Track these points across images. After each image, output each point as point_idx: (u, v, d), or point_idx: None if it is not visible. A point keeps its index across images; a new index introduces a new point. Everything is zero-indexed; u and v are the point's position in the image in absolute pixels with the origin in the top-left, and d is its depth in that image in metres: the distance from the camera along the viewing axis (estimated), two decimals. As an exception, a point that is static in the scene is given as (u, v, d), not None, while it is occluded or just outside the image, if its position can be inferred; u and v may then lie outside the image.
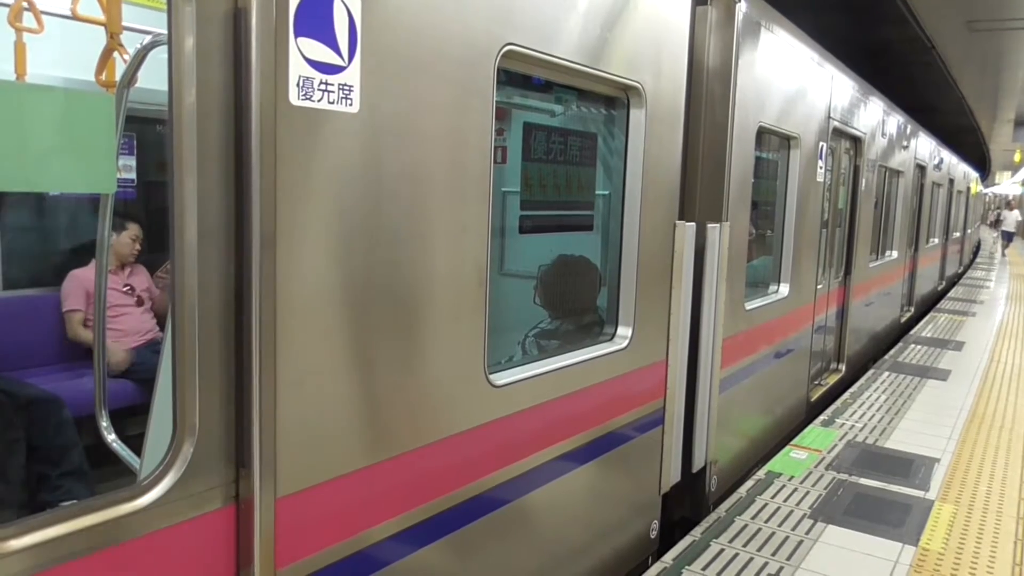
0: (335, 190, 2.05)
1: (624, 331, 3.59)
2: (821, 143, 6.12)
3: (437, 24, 2.31)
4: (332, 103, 2.00)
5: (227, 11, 1.78)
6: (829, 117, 6.28)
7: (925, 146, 11.86)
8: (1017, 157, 29.74)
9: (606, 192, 3.77)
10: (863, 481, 5.01)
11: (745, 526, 4.30)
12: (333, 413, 2.11)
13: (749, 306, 5.02)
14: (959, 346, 9.78)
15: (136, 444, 2.49)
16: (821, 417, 6.45)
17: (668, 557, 3.91)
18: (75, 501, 1.58)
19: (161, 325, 4.98)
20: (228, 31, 1.79)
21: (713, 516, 4.42)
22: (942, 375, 8.12)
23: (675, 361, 3.97)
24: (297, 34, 1.90)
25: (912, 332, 10.79)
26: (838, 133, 6.71)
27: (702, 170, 4.24)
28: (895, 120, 9.32)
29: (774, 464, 5.30)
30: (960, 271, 20.78)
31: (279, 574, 1.99)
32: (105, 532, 1.66)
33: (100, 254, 3.11)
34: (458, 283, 2.51)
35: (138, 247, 4.64)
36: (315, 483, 2.07)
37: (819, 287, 6.60)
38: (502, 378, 2.79)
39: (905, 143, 10.09)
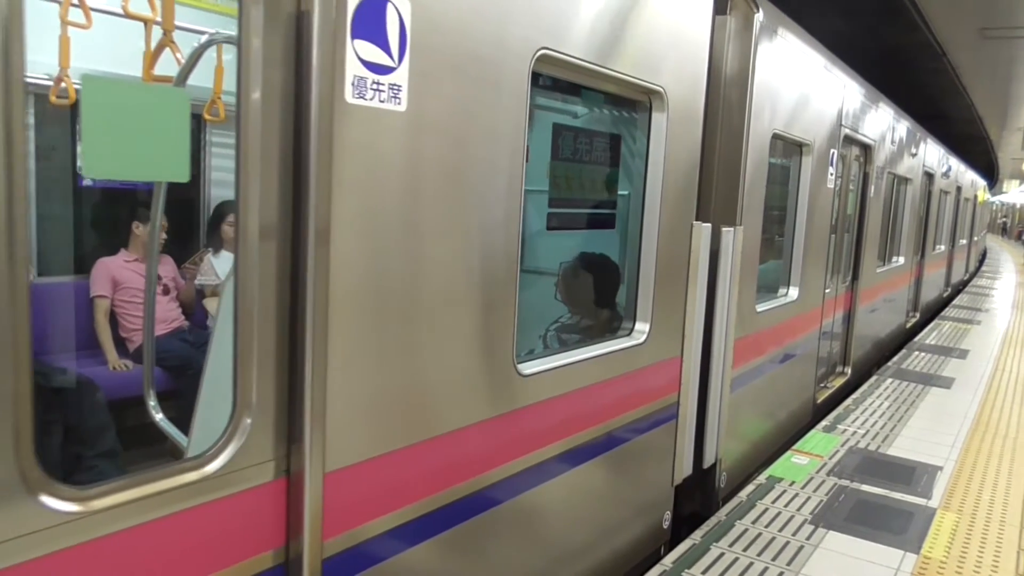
0: (382, 185, 2.17)
1: (642, 326, 3.71)
2: (832, 150, 6.24)
3: (477, 28, 2.43)
4: (383, 102, 2.13)
5: (291, 13, 1.89)
6: (840, 124, 6.41)
7: (933, 154, 11.99)
8: (1025, 166, 29.65)
9: (626, 192, 3.90)
10: (865, 488, 4.99)
11: (745, 530, 4.28)
12: (377, 396, 2.25)
13: (760, 308, 5.13)
14: (963, 354, 9.75)
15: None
16: (823, 423, 6.43)
17: (668, 560, 3.89)
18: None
19: (186, 314, 5.01)
20: (291, 32, 1.89)
21: (713, 520, 4.41)
22: (946, 383, 8.08)
23: (689, 358, 4.09)
24: (354, 36, 2.02)
25: (916, 339, 10.75)
26: (848, 140, 6.82)
27: (717, 174, 4.33)
28: (904, 127, 9.44)
29: (775, 469, 5.28)
30: (966, 278, 20.89)
31: (326, 545, 2.11)
32: (169, 499, 1.78)
33: (152, 243, 3.36)
34: (492, 277, 2.65)
35: (164, 236, 4.72)
36: (360, 460, 2.21)
37: (827, 291, 6.71)
38: (529, 368, 2.92)
39: (914, 150, 10.20)
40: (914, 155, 10.26)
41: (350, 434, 2.17)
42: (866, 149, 7.67)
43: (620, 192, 3.96)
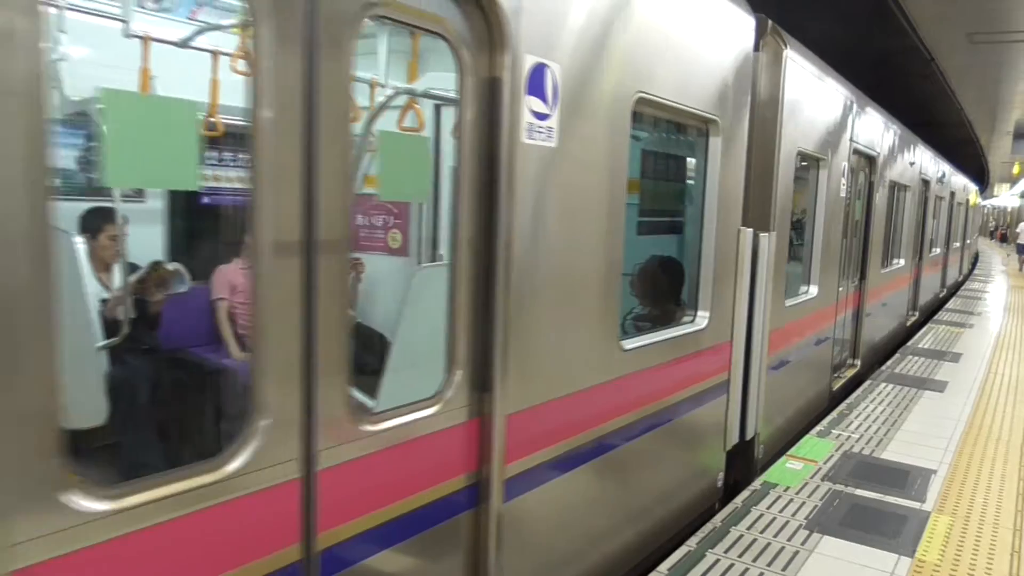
0: (542, 204, 2.92)
1: (703, 314, 4.46)
2: (844, 163, 7.02)
3: (598, 80, 3.19)
4: (543, 141, 2.87)
5: (488, 78, 2.63)
6: (851, 140, 7.21)
7: (929, 162, 12.78)
8: (1016, 169, 29.77)
9: (689, 203, 4.66)
10: (859, 492, 5.00)
11: (741, 536, 4.29)
12: (538, 360, 3.01)
13: (788, 303, 5.87)
14: (956, 358, 9.78)
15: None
16: (817, 428, 6.45)
17: (664, 567, 3.89)
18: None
19: None
20: (487, 92, 2.63)
21: (709, 526, 4.41)
22: (939, 386, 8.11)
23: (737, 343, 4.87)
24: (527, 93, 2.75)
25: (909, 343, 10.81)
26: (857, 153, 7.58)
27: (753, 186, 4.95)
28: (904, 139, 10.23)
29: (770, 474, 5.28)
30: (960, 280, 21.28)
31: (507, 468, 2.83)
32: (411, 430, 2.49)
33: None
34: (606, 272, 3.39)
35: None
36: (528, 407, 2.94)
37: (840, 290, 7.44)
38: (628, 344, 3.68)
39: (912, 160, 10.98)
40: (912, 164, 11.00)
41: (522, 387, 2.89)
42: (871, 160, 8.35)
43: (685, 203, 4.75)
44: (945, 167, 15.31)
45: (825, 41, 6.70)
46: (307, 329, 2.11)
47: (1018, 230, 28.95)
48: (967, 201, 21.56)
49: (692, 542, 4.19)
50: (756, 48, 4.86)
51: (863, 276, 8.54)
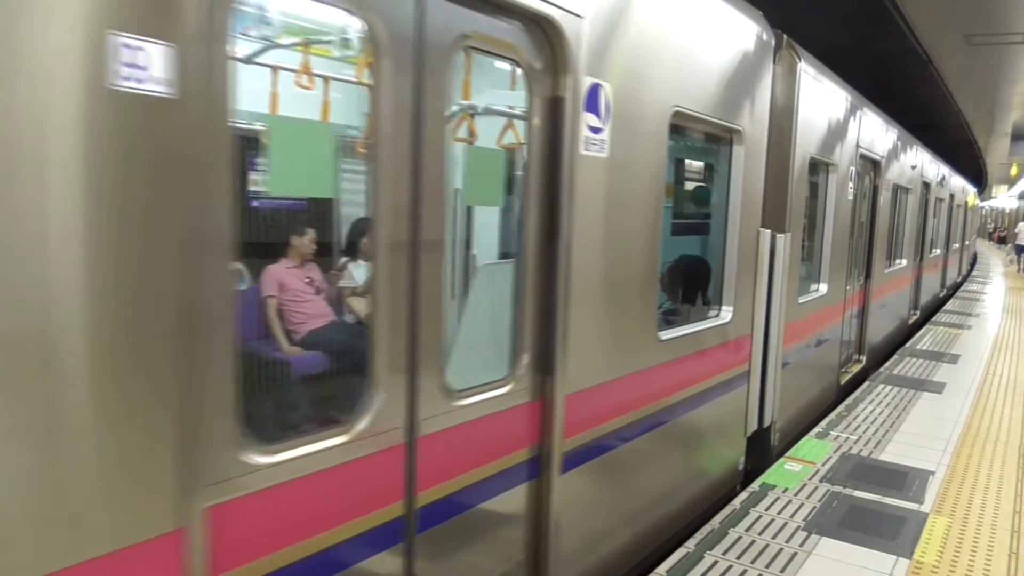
0: (596, 209, 3.32)
1: (727, 309, 4.86)
2: (851, 167, 7.37)
3: (641, 96, 3.57)
4: (597, 152, 3.26)
5: (552, 97, 3.03)
6: (857, 145, 7.59)
7: (930, 164, 13.17)
8: (1014, 171, 29.80)
9: (715, 206, 5.04)
10: (857, 494, 5.01)
11: (739, 538, 4.29)
12: (591, 348, 3.39)
13: (800, 300, 6.24)
14: (954, 359, 9.79)
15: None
16: (816, 429, 6.45)
17: (662, 569, 3.90)
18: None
19: (337, 312, 5.88)
20: (551, 109, 3.02)
21: (707, 528, 4.41)
22: (937, 388, 8.12)
23: (757, 336, 5.28)
24: (585, 110, 3.13)
25: (908, 344, 10.82)
26: (862, 158, 7.95)
27: (770, 191, 5.30)
28: (906, 143, 10.66)
29: (768, 476, 5.29)
30: (959, 280, 21.49)
31: (565, 443, 3.22)
32: (487, 406, 2.88)
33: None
34: (646, 270, 3.79)
35: (314, 247, 5.52)
36: (582, 389, 3.32)
37: (848, 288, 7.86)
38: (663, 336, 4.07)
39: (913, 163, 11.35)
40: (914, 168, 11.35)
41: (578, 371, 3.26)
42: (875, 165, 8.71)
43: (711, 206, 5.10)
44: (945, 170, 15.57)
45: (823, 43, 6.72)
46: (412, 317, 2.48)
47: (1017, 231, 28.74)
48: (966, 203, 21.80)
49: (691, 544, 4.19)
50: (773, 61, 5.24)
51: (868, 276, 8.93)
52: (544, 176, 3.04)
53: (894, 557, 4.12)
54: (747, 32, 4.77)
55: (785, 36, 5.36)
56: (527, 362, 3.04)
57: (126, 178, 1.69)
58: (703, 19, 4.20)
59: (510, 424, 3.00)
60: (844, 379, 8.20)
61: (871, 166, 8.63)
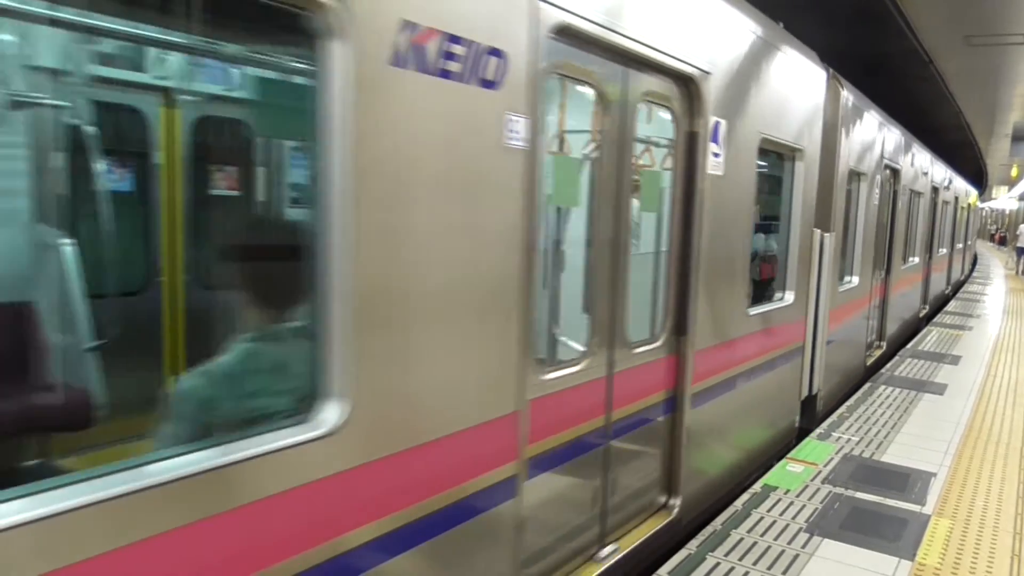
0: (715, 217, 4.34)
1: (790, 295, 5.98)
2: (877, 175, 8.57)
3: (742, 128, 4.64)
4: (717, 171, 4.31)
5: (689, 131, 4.10)
6: (882, 156, 8.80)
7: (939, 170, 14.48)
8: (1014, 172, 29.77)
9: (781, 210, 6.09)
10: (859, 495, 4.99)
11: (741, 539, 4.28)
12: (707, 318, 4.40)
13: (840, 289, 7.36)
14: (955, 360, 9.78)
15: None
16: (817, 430, 6.44)
17: (663, 571, 3.88)
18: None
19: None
20: (689, 141, 4.10)
21: (709, 529, 4.40)
22: (939, 389, 8.11)
23: (809, 319, 6.45)
24: (711, 140, 4.19)
25: (909, 346, 10.82)
26: (886, 167, 9.17)
27: (819, 198, 6.36)
28: (919, 152, 11.88)
29: (770, 478, 5.28)
30: (962, 279, 22.38)
31: (694, 387, 4.31)
32: (648, 355, 4.00)
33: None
34: (742, 259, 4.92)
35: None
36: (703, 348, 4.38)
37: (873, 281, 9.09)
38: (752, 311, 5.18)
39: (925, 170, 12.52)
40: (925, 174, 12.53)
41: (700, 335, 4.32)
42: (895, 173, 9.89)
43: (780, 211, 6.10)
44: (951, 174, 16.63)
45: (824, 43, 6.72)
46: (613, 295, 3.65)
47: (1018, 232, 28.50)
48: (968, 205, 22.47)
49: (692, 545, 4.18)
50: (824, 91, 6.34)
51: (888, 271, 10.07)
52: (683, 189, 4.12)
53: (896, 559, 4.11)
54: (808, 70, 5.91)
55: (831, 69, 6.44)
56: (669, 326, 4.16)
57: (515, 199, 2.82)
58: (780, 64, 5.28)
59: (658, 370, 4.09)
60: (869, 361, 9.32)
61: (891, 174, 9.71)
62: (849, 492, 5.04)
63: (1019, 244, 27.28)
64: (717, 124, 4.24)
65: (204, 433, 2.11)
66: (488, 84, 2.61)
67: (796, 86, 5.61)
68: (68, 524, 1.62)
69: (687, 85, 4.01)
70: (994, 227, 60.73)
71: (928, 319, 13.95)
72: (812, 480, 5.24)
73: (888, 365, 9.34)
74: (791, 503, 4.82)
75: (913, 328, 12.80)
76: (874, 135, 8.28)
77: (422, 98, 2.36)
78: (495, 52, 2.61)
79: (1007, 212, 54.49)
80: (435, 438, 2.54)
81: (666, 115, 4.05)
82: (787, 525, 4.48)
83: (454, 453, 2.63)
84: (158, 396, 2.43)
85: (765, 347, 5.45)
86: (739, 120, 4.56)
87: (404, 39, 2.26)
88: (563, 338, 3.92)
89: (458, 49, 2.46)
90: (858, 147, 7.55)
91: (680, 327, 4.18)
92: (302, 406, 2.16)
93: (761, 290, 5.85)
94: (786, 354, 5.93)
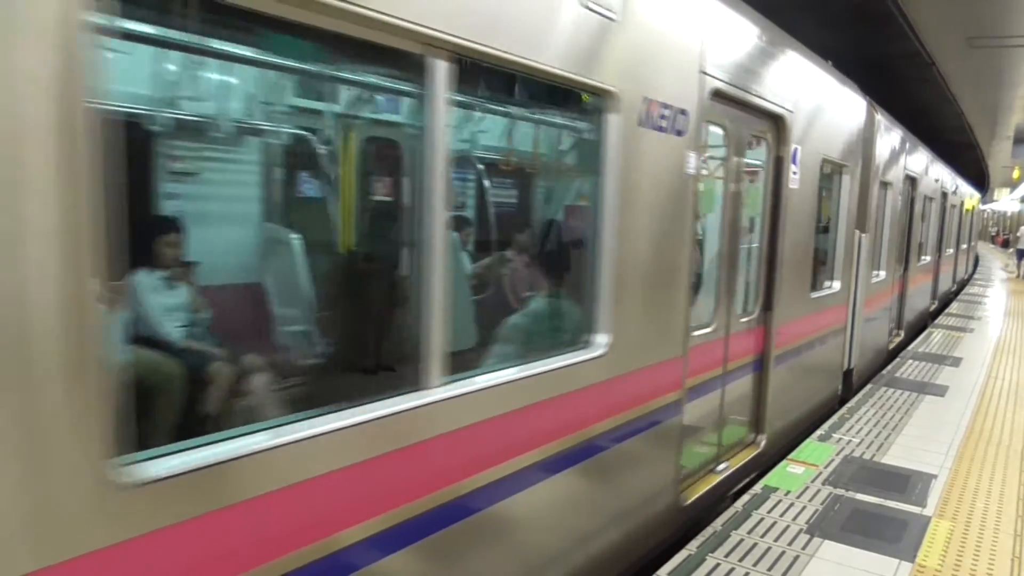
0: (792, 221, 5.64)
1: (836, 283, 7.31)
2: (900, 184, 9.98)
3: (810, 152, 5.87)
4: (794, 186, 5.61)
5: (776, 156, 5.48)
6: (904, 167, 10.24)
7: (948, 178, 15.95)
8: (1016, 174, 29.73)
9: (833, 214, 7.41)
10: (860, 496, 4.99)
11: (741, 541, 4.28)
12: (785, 299, 5.67)
13: (873, 281, 8.72)
14: (956, 362, 9.78)
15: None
16: (818, 432, 6.44)
17: (663, 571, 3.88)
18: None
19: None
20: (776, 164, 5.48)
21: (709, 530, 4.40)
22: (940, 391, 8.11)
23: (849, 305, 7.78)
24: (792, 162, 5.52)
25: (910, 347, 10.82)
26: (906, 177, 10.56)
27: (858, 204, 7.70)
28: (933, 163, 13.33)
29: (771, 479, 5.28)
30: (965, 277, 23.17)
31: (776, 351, 5.65)
32: (747, 326, 5.39)
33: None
34: (807, 252, 6.21)
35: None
36: (782, 323, 5.68)
37: (895, 276, 10.44)
38: (813, 295, 6.58)
39: (936, 177, 13.86)
40: (936, 180, 13.83)
41: (780, 312, 5.62)
42: (913, 181, 11.23)
43: (831, 214, 7.34)
44: (958, 180, 17.96)
45: (826, 46, 6.73)
46: (728, 275, 4.93)
47: (1019, 234, 28.32)
48: (973, 208, 23.39)
49: (692, 546, 4.18)
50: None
51: (906, 267, 11.39)
52: (772, 200, 5.44)
53: (896, 561, 4.11)
54: (852, 100, 7.31)
55: (868, 97, 7.83)
56: (760, 303, 5.46)
57: (687, 209, 4.13)
58: (833, 97, 6.65)
59: (750, 339, 5.36)
60: (891, 345, 10.73)
61: (910, 182, 11.02)
62: (850, 493, 5.04)
63: (1020, 247, 27.23)
64: (796, 150, 5.57)
65: (523, 352, 3.57)
66: (679, 133, 3.89)
67: (844, 114, 7.02)
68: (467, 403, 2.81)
69: (777, 122, 5.37)
70: (995, 228, 60.67)
71: (935, 314, 14.97)
72: (813, 481, 5.24)
73: (888, 367, 9.35)
74: (791, 504, 4.82)
75: (924, 321, 13.90)
76: (898, 149, 9.70)
77: (649, 145, 3.67)
78: (683, 112, 3.91)
79: (1008, 214, 54.43)
80: (647, 365, 3.87)
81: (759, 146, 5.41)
82: (787, 526, 4.48)
83: (654, 378, 3.97)
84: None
85: (820, 325, 6.83)
86: (808, 146, 5.82)
87: (643, 108, 3.58)
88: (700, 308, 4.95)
89: (667, 112, 3.74)
90: (887, 160, 8.89)
91: (768, 304, 5.52)
92: (581, 339, 3.51)
93: (815, 279, 7.01)
94: (833, 332, 7.31)
